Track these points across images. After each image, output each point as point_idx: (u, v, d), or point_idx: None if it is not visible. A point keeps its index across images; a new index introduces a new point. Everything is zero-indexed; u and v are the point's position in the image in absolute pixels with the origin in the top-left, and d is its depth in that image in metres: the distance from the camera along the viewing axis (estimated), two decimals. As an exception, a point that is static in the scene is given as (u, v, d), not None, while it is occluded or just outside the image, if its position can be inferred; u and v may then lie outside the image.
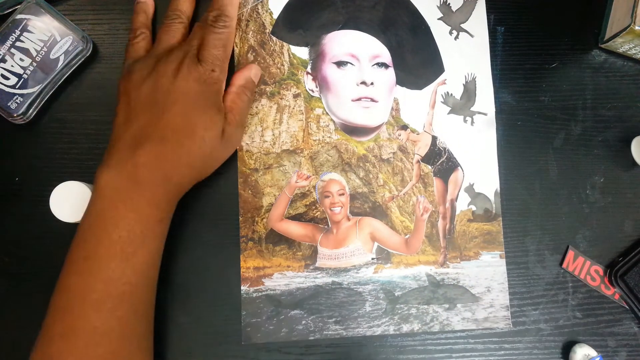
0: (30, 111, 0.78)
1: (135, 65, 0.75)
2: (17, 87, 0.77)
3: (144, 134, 0.70)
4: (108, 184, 0.68)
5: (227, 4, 0.78)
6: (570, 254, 0.81)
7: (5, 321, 0.78)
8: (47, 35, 0.78)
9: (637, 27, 0.76)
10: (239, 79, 0.80)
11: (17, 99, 0.77)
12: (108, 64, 0.82)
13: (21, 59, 0.77)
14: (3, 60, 0.77)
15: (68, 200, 0.74)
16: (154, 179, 0.69)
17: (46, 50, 0.77)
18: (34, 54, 0.77)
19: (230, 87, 0.79)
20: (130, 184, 0.68)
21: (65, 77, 0.80)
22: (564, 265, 0.81)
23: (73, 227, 0.71)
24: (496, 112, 0.83)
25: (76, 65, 0.80)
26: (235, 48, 0.82)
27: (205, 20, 0.77)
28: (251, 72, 0.81)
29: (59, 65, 0.78)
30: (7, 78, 0.77)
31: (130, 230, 0.67)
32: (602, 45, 0.84)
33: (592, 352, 0.77)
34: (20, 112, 0.77)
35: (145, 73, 0.73)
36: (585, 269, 0.81)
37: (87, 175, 0.78)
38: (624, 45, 0.81)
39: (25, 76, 0.77)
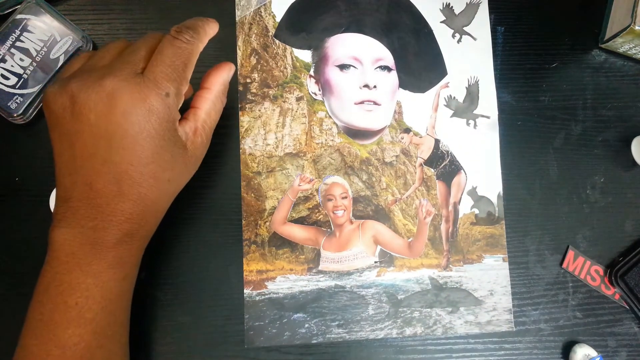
0: (30, 111, 0.78)
1: (56, 82, 0.62)
2: (17, 87, 0.77)
3: (96, 191, 0.59)
4: (62, 246, 0.60)
5: (198, 25, 0.63)
6: (571, 254, 0.81)
7: (5, 321, 0.77)
8: (47, 35, 0.77)
9: (637, 27, 0.77)
10: (216, 82, 0.68)
11: (17, 99, 0.76)
12: (108, 63, 0.82)
13: (21, 59, 0.77)
14: (3, 60, 0.77)
15: (68, 200, 0.73)
16: (116, 240, 0.61)
17: (46, 50, 0.77)
18: (34, 54, 0.77)
19: (206, 93, 0.68)
20: (87, 248, 0.60)
21: (65, 78, 0.79)
22: (564, 265, 0.81)
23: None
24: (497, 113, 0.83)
25: (76, 65, 0.80)
26: (239, 51, 0.82)
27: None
28: (229, 74, 0.70)
29: (59, 65, 0.78)
30: (7, 78, 0.76)
31: (89, 296, 0.60)
32: (602, 45, 0.84)
33: (593, 352, 0.78)
34: (20, 112, 0.77)
35: (60, 98, 0.59)
36: (585, 269, 0.81)
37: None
38: (624, 45, 0.82)
39: (25, 76, 0.77)
